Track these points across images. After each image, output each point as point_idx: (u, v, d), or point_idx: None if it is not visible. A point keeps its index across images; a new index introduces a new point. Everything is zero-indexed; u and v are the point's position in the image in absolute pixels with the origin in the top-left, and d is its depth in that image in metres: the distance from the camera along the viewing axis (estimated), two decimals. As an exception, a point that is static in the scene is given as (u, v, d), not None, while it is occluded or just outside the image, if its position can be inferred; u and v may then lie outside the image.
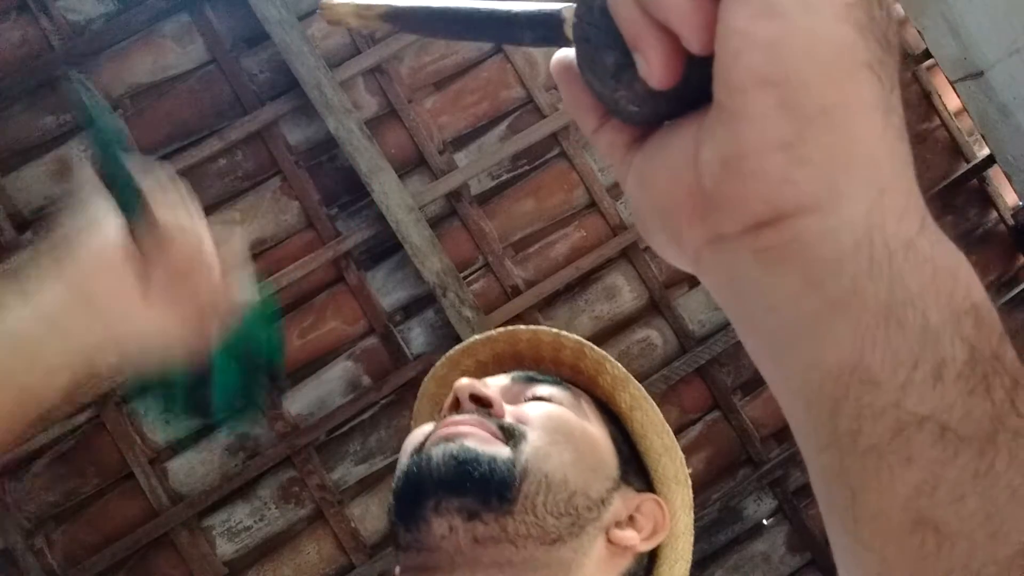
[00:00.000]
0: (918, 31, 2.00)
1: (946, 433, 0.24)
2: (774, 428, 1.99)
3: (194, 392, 0.62)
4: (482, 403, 0.67)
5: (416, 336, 1.95)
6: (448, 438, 0.63)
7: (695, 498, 0.75)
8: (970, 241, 2.11)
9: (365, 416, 1.91)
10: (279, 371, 0.68)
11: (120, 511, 1.82)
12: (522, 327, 0.82)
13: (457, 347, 0.82)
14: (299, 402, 1.89)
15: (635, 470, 0.72)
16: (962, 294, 0.25)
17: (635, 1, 0.26)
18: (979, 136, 2.08)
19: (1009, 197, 2.14)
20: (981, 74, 1.91)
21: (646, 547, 0.68)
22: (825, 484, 0.27)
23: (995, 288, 2.09)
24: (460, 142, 2.01)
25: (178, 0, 1.92)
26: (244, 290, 0.64)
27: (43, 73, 1.88)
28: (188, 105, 1.94)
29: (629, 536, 0.66)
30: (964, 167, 2.13)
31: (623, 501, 0.67)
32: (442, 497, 0.60)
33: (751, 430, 1.98)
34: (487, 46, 1.98)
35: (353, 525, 1.87)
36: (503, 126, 2.02)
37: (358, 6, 0.35)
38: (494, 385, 0.73)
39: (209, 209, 1.99)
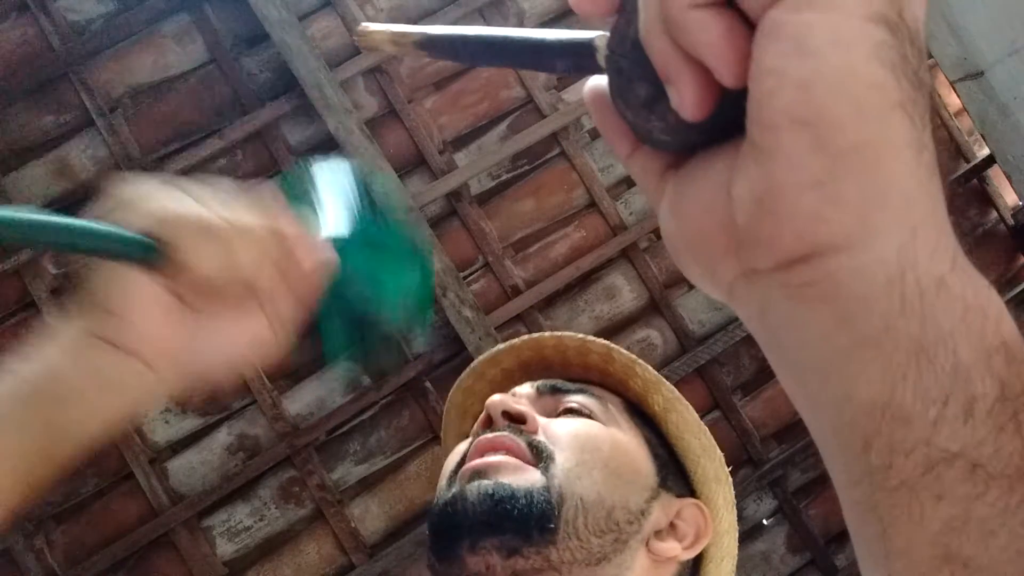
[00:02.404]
0: (918, 31, 2.00)
1: (976, 470, 0.24)
2: (774, 428, 1.99)
3: (307, 340, 0.61)
4: (515, 419, 0.67)
5: (416, 336, 1.95)
6: (480, 472, 0.62)
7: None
8: (970, 241, 2.11)
9: (365, 416, 1.91)
10: (409, 310, 0.62)
11: (120, 511, 1.82)
12: (546, 334, 0.81)
13: (481, 357, 0.81)
14: (299, 402, 1.89)
15: (673, 473, 0.71)
16: (992, 331, 0.25)
17: (667, 35, 0.26)
18: (979, 136, 2.08)
19: (1009, 197, 2.14)
20: (981, 74, 1.92)
21: (688, 555, 0.67)
22: (857, 517, 0.27)
23: (995, 288, 2.09)
24: (460, 142, 2.01)
25: (178, 0, 1.92)
26: (325, 246, 0.55)
27: (43, 73, 1.88)
28: (188, 105, 1.94)
29: (670, 547, 0.65)
30: (964, 167, 2.13)
31: (662, 509, 0.67)
32: (477, 537, 0.59)
33: (751, 430, 1.98)
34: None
35: (353, 525, 1.87)
36: (503, 126, 2.02)
37: (394, 33, 0.36)
38: (521, 394, 0.72)
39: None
